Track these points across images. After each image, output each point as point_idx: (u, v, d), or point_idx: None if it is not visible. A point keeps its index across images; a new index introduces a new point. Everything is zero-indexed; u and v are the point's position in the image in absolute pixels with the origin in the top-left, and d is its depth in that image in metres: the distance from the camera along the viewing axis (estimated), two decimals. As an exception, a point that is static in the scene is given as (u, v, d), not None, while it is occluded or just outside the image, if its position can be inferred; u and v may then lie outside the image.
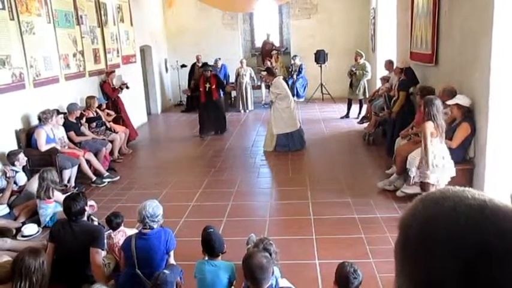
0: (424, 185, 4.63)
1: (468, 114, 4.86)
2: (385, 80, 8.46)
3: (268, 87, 8.42)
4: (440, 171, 4.53)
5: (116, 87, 8.56)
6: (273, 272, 2.59)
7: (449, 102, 4.90)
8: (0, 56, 5.61)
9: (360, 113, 10.17)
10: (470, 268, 0.55)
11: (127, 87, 8.75)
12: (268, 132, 7.82)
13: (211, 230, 3.27)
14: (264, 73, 8.11)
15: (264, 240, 3.12)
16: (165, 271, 3.07)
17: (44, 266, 2.89)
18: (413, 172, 4.78)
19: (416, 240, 0.62)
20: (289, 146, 7.65)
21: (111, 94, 8.49)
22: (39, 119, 6.01)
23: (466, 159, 5.03)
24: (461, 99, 4.85)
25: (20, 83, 6.00)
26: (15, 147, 5.75)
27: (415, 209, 0.65)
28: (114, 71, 8.78)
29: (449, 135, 4.79)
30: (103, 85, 8.53)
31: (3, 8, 5.72)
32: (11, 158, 5.35)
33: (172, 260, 3.48)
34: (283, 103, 7.59)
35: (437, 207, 0.62)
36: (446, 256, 0.57)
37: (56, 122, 6.16)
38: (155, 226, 3.41)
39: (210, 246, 3.17)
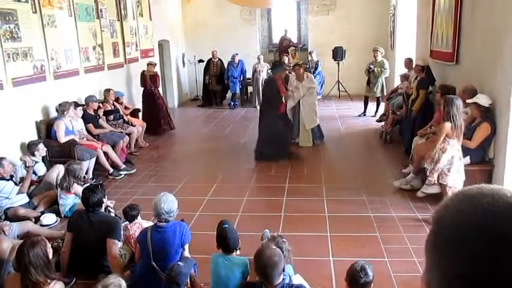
0: (442, 186, 4.57)
1: (487, 114, 4.77)
2: (405, 77, 8.35)
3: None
4: (458, 172, 4.46)
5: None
6: (284, 269, 2.59)
7: (468, 100, 4.83)
8: (22, 48, 5.71)
9: (377, 110, 10.08)
10: (504, 264, 0.54)
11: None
12: (302, 128, 7.79)
13: (227, 225, 3.27)
14: (301, 69, 7.72)
15: (277, 238, 3.12)
16: (180, 263, 3.10)
17: (43, 252, 2.95)
18: (429, 170, 4.72)
19: (449, 231, 0.61)
20: (323, 137, 7.89)
21: (156, 83, 9.09)
22: (57, 111, 6.11)
23: (485, 160, 4.95)
24: (480, 99, 4.76)
25: (41, 75, 6.11)
26: (35, 138, 5.86)
27: (450, 202, 0.65)
28: (155, 63, 9.42)
29: (468, 135, 4.72)
30: (154, 76, 9.06)
31: (26, 1, 5.82)
32: (31, 148, 5.46)
33: (187, 253, 3.51)
34: (313, 97, 7.67)
35: (474, 201, 0.61)
36: (480, 250, 0.56)
37: (74, 114, 6.25)
38: (171, 219, 3.45)
39: (225, 243, 3.19)
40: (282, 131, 6.99)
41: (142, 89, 9.16)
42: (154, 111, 9.02)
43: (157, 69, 9.55)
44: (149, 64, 9.15)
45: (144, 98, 9.13)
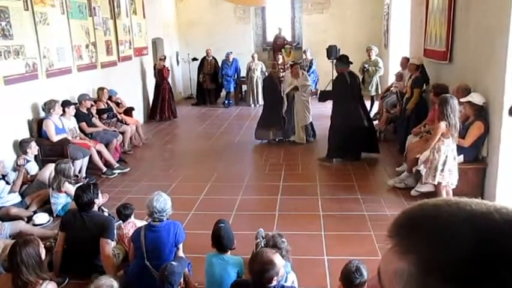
0: (437, 185, 4.57)
1: (481, 113, 4.79)
2: (400, 77, 8.37)
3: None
4: (452, 172, 4.47)
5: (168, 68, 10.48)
6: (278, 273, 2.56)
7: (462, 99, 4.84)
8: (14, 46, 5.65)
9: (371, 109, 10.08)
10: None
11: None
12: (297, 125, 7.84)
13: (223, 225, 3.26)
14: (297, 67, 7.91)
15: (276, 238, 3.09)
16: (173, 262, 3.09)
17: (35, 252, 2.93)
18: (423, 170, 4.73)
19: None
20: (315, 135, 7.99)
21: (166, 76, 10.25)
22: (43, 110, 6.06)
23: (478, 159, 4.97)
24: (474, 97, 4.78)
25: (33, 73, 6.05)
26: (27, 137, 5.80)
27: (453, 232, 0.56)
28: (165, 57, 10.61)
29: (462, 134, 4.73)
30: (162, 70, 10.14)
31: (18, -2, 5.76)
32: (23, 146, 5.41)
33: (181, 253, 3.49)
34: (307, 95, 7.73)
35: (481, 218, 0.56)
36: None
37: (65, 112, 6.19)
38: (164, 218, 3.43)
39: (219, 241, 3.18)
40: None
41: (136, 87, 9.83)
42: (160, 100, 10.29)
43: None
44: (159, 59, 10.36)
45: (155, 88, 10.41)
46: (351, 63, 6.76)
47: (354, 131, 6.50)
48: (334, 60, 7.17)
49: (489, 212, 0.55)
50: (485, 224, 0.54)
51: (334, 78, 6.78)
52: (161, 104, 10.28)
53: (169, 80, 10.75)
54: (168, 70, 10.47)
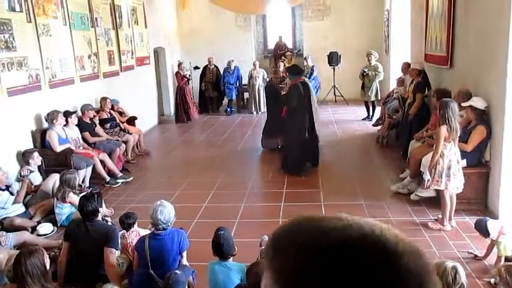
0: (440, 190, 4.56)
1: (483, 117, 4.79)
2: (401, 81, 8.37)
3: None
4: (457, 176, 4.45)
5: (186, 76, 11.33)
6: None
7: (463, 104, 4.84)
8: (17, 58, 5.70)
9: (373, 115, 10.09)
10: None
11: (188, 79, 11.45)
12: None
13: (222, 232, 3.27)
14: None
15: None
16: (177, 271, 3.09)
17: (40, 262, 2.94)
18: (427, 175, 4.72)
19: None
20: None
21: (179, 82, 11.15)
22: (46, 120, 6.09)
23: (481, 163, 4.96)
24: (475, 102, 4.78)
25: (36, 84, 6.09)
26: (31, 147, 5.83)
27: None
28: (182, 62, 11.45)
29: (464, 138, 4.73)
30: (176, 74, 11.11)
31: (21, 11, 5.81)
32: (26, 156, 5.44)
33: (185, 261, 3.50)
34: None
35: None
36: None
37: (68, 122, 6.22)
38: (168, 227, 3.44)
39: (219, 249, 3.18)
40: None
41: (139, 96, 9.96)
42: (180, 103, 11.27)
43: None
44: (181, 63, 11.36)
45: (176, 93, 11.53)
46: (303, 71, 6.90)
47: (302, 142, 6.48)
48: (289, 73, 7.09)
49: (342, 227, 0.61)
50: (327, 242, 0.59)
51: (288, 89, 6.77)
52: (180, 108, 11.28)
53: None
54: (184, 77, 11.30)
